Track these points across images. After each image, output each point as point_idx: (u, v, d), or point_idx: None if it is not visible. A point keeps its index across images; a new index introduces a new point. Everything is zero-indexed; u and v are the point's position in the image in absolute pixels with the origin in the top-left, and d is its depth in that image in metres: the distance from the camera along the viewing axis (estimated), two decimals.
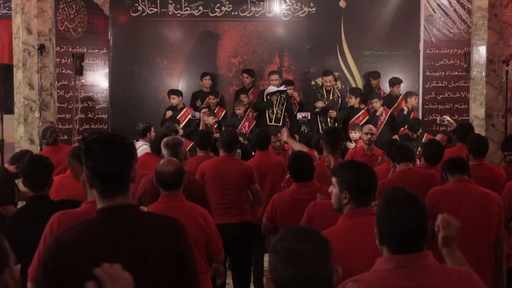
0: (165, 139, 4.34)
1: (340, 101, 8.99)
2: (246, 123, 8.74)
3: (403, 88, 9.39)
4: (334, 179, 2.64)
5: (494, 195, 3.76)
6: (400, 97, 9.14)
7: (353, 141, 7.79)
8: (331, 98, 8.96)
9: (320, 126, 8.86)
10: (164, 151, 4.25)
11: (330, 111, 8.81)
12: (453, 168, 3.84)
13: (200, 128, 7.69)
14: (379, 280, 1.88)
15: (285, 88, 9.13)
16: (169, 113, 8.75)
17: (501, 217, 3.73)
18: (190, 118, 8.67)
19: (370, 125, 7.00)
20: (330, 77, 8.95)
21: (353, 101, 8.86)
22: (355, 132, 7.61)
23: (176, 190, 3.46)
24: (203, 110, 8.35)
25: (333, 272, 1.61)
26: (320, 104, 8.82)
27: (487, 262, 3.67)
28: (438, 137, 6.76)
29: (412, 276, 1.88)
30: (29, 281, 2.67)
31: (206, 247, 3.49)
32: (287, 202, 3.94)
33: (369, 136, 6.41)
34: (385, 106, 8.84)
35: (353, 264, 2.23)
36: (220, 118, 8.85)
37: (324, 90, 9.04)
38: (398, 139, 7.82)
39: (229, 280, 4.90)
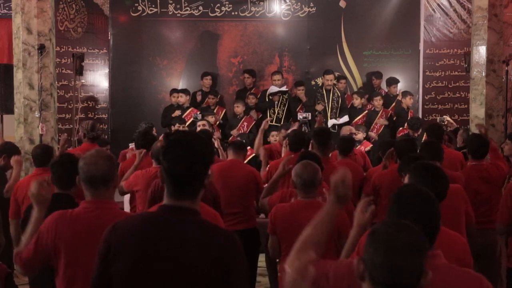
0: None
1: (340, 101, 8.99)
2: (245, 123, 8.73)
3: (403, 88, 9.40)
4: (406, 176, 2.75)
5: (457, 190, 3.66)
6: (397, 96, 9.14)
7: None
8: (331, 98, 8.94)
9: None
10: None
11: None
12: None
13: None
14: None
15: (287, 89, 9.13)
16: (177, 113, 8.72)
17: (467, 209, 3.74)
18: (192, 120, 8.66)
19: (350, 126, 7.05)
20: (331, 76, 8.93)
21: (359, 102, 8.86)
22: (358, 133, 7.62)
23: None
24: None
25: (423, 274, 1.60)
26: (319, 107, 8.80)
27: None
28: None
29: None
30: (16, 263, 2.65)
31: None
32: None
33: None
34: (383, 107, 8.84)
35: None
36: (220, 117, 8.86)
37: (324, 90, 9.03)
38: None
39: None
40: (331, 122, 8.81)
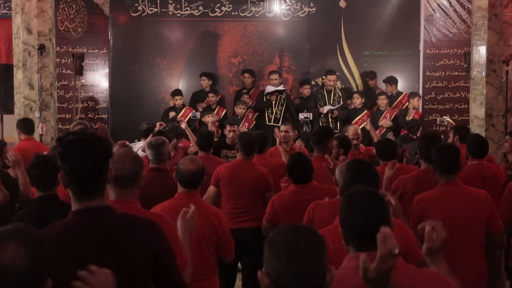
0: (148, 139, 4.37)
1: (341, 101, 8.99)
2: (246, 123, 8.74)
3: (403, 88, 9.40)
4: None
5: (482, 197, 3.52)
6: (402, 95, 9.13)
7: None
8: (332, 98, 8.95)
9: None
10: (147, 151, 4.26)
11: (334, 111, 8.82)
12: (444, 167, 3.55)
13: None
14: (343, 278, 1.88)
15: (283, 88, 9.13)
16: (172, 114, 8.76)
17: (493, 217, 3.51)
18: (190, 118, 8.67)
19: (356, 126, 6.98)
20: (333, 76, 8.95)
21: (359, 101, 8.87)
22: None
23: (194, 189, 3.50)
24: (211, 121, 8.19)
25: (327, 271, 1.62)
26: (322, 110, 8.81)
27: (481, 264, 3.54)
28: None
29: None
30: None
31: (216, 247, 3.51)
32: (287, 203, 3.93)
33: (355, 141, 6.18)
34: (389, 107, 8.84)
35: None
36: (220, 118, 8.86)
37: (325, 91, 9.03)
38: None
39: (238, 282, 4.86)
40: (326, 108, 8.81)
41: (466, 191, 3.56)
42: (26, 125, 6.43)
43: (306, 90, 9.23)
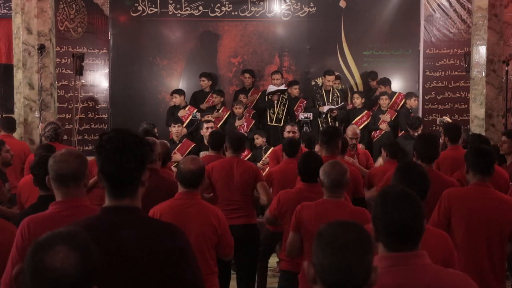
0: None
1: (340, 101, 8.99)
2: (245, 123, 8.73)
3: (403, 88, 9.40)
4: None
5: (510, 202, 3.50)
6: (396, 95, 9.13)
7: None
8: (330, 98, 8.95)
9: (321, 127, 8.86)
10: None
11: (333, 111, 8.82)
12: (478, 167, 3.54)
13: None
14: None
15: (285, 88, 9.12)
16: (182, 112, 8.75)
17: None
18: (191, 118, 8.67)
19: (354, 126, 6.84)
20: (332, 77, 8.94)
21: (359, 101, 8.87)
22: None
23: (194, 189, 3.51)
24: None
25: (372, 270, 1.61)
26: (322, 109, 8.81)
27: (501, 268, 3.53)
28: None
29: (408, 275, 1.89)
30: None
31: (216, 246, 3.51)
32: (293, 200, 3.94)
33: (353, 141, 6.12)
34: (390, 109, 8.83)
35: None
36: (224, 119, 8.86)
37: (323, 91, 9.02)
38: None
39: (233, 282, 4.87)
40: (326, 107, 8.80)
41: (495, 195, 3.55)
42: (6, 123, 6.57)
43: (296, 91, 9.16)
